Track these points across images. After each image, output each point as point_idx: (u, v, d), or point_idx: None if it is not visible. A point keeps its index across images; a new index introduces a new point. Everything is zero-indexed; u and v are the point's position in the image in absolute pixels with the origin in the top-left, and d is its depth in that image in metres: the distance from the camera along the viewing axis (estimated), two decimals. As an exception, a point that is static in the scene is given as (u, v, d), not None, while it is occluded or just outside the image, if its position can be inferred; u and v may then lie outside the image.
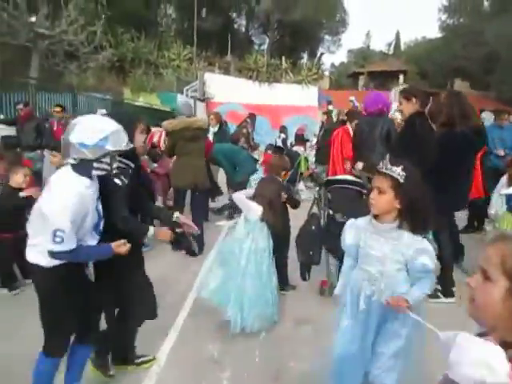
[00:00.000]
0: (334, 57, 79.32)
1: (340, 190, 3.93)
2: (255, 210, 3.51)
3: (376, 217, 2.10)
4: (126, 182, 2.42)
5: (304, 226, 3.89)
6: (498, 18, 25.47)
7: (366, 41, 43.24)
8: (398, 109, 3.80)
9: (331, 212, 3.90)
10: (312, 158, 10.06)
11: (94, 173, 2.14)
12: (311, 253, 3.75)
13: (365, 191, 3.79)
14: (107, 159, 2.13)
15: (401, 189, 1.97)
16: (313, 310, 3.77)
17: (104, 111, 8.00)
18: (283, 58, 23.21)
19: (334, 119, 11.07)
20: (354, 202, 3.81)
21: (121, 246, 2.21)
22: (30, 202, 3.86)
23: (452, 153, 3.43)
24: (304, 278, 3.91)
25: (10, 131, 6.87)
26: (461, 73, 26.49)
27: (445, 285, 3.78)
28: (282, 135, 11.67)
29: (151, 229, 2.47)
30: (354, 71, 32.11)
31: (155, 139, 6.62)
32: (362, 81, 28.24)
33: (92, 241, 2.22)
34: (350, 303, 2.20)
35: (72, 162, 2.08)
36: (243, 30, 32.46)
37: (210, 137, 7.23)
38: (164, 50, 21.26)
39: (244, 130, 8.36)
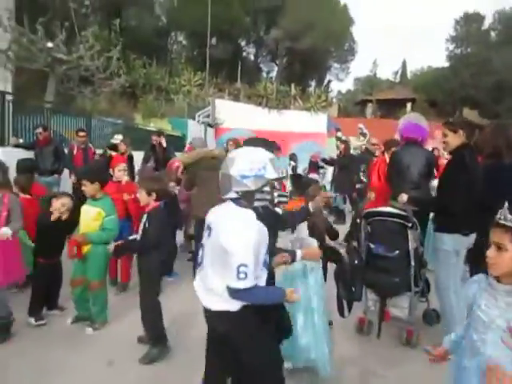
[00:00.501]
0: (342, 84, 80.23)
1: (382, 223, 3.77)
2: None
3: (496, 278, 1.76)
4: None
5: (344, 260, 3.73)
6: (506, 47, 25.80)
7: (372, 69, 43.81)
8: (441, 140, 3.68)
9: (372, 245, 3.74)
10: (328, 186, 10.00)
11: (257, 204, 2.14)
12: (353, 288, 3.56)
13: (409, 224, 3.65)
14: (267, 188, 2.14)
15: None
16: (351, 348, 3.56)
17: (121, 136, 7.97)
18: (292, 84, 23.43)
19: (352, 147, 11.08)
20: (398, 235, 3.66)
21: (292, 294, 2.16)
22: (69, 228, 4.01)
23: (501, 185, 3.30)
24: (342, 315, 3.72)
25: (28, 155, 6.79)
26: (469, 101, 26.61)
27: None
28: (292, 163, 11.65)
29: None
30: (362, 99, 32.38)
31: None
32: (369, 108, 28.39)
33: (264, 276, 2.15)
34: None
35: (234, 195, 2.10)
36: (252, 57, 33.01)
37: None
38: (175, 76, 21.51)
39: None
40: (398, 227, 3.72)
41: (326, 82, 32.26)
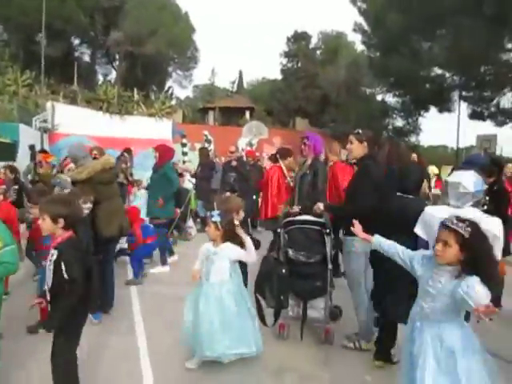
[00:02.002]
0: (185, 91, 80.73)
1: (300, 231, 4.00)
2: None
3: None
4: None
5: (270, 271, 3.87)
6: (328, 65, 29.22)
7: (211, 77, 44.94)
8: (347, 147, 4.01)
9: (291, 252, 3.93)
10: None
11: None
12: (282, 297, 3.74)
13: (327, 231, 3.97)
14: None
15: (466, 243, 2.18)
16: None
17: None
18: (135, 89, 22.73)
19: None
20: (316, 242, 3.98)
21: None
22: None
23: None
24: (265, 324, 3.92)
25: None
26: (301, 112, 29.38)
27: None
28: None
29: None
30: (204, 106, 33.06)
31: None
32: (211, 116, 29.12)
33: None
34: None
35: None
36: (86, 58, 30.93)
37: None
38: (-4, 74, 18.98)
39: (123, 165, 7.75)
40: (317, 234, 3.99)
41: (169, 88, 32.12)
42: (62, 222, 2.77)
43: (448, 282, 2.26)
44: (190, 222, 9.07)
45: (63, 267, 2.65)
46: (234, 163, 8.87)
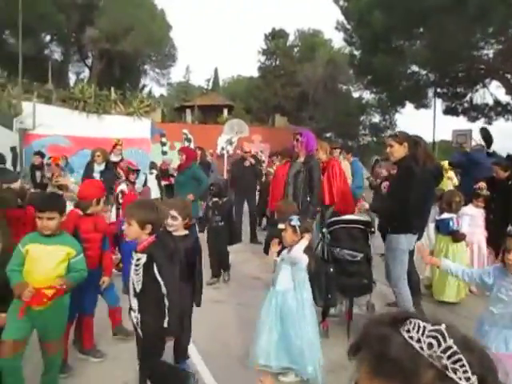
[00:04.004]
0: (163, 90, 79.96)
1: (344, 230, 4.14)
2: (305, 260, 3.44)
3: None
4: None
5: (318, 270, 3.90)
6: (306, 62, 29.40)
7: (186, 75, 44.46)
8: (388, 151, 4.18)
9: (337, 251, 4.05)
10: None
11: None
12: (329, 295, 3.83)
13: (372, 229, 4.19)
14: None
15: None
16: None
17: None
18: (112, 88, 22.36)
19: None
20: (360, 240, 4.13)
21: None
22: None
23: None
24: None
25: None
26: (280, 109, 29.44)
27: None
28: (154, 171, 11.04)
29: None
30: (182, 104, 32.77)
31: None
32: (188, 114, 28.87)
33: None
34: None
35: None
36: (59, 56, 30.16)
37: (97, 176, 6.43)
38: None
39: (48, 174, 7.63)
40: (361, 232, 4.15)
41: (146, 86, 31.75)
42: (149, 227, 2.74)
43: None
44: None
45: (155, 270, 2.67)
46: (251, 161, 8.96)
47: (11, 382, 2.79)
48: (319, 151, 5.82)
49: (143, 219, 2.71)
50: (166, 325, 2.66)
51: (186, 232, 3.31)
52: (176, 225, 3.23)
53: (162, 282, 2.65)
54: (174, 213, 3.20)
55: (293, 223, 3.44)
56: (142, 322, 2.77)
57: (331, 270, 3.99)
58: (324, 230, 4.27)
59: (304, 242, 3.39)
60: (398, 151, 4.07)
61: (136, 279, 2.73)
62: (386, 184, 6.40)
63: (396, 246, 4.08)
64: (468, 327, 2.51)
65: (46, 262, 2.92)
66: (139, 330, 2.82)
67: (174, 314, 2.68)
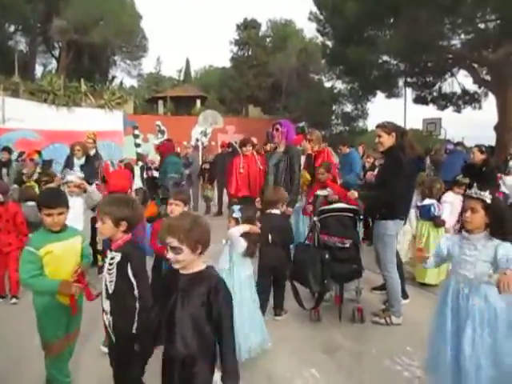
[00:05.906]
0: (134, 81, 78.38)
1: (333, 217, 4.33)
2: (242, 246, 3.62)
3: (468, 231, 2.77)
4: None
5: (313, 257, 4.09)
6: (278, 53, 29.40)
7: (156, 66, 43.69)
8: (377, 140, 4.33)
9: (326, 238, 4.23)
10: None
11: None
12: (325, 281, 4.01)
13: (360, 216, 4.45)
14: None
15: (489, 207, 2.66)
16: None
17: None
18: (82, 80, 21.81)
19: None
20: (349, 227, 4.35)
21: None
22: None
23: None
24: (303, 307, 4.23)
25: None
26: (254, 99, 29.43)
27: None
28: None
29: None
30: (154, 96, 32.27)
31: None
32: (160, 105, 28.47)
33: None
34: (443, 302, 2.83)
35: None
36: (23, 47, 29.10)
37: (77, 170, 6.27)
38: None
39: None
40: (349, 220, 4.36)
41: (117, 78, 31.08)
42: (124, 225, 2.62)
43: (484, 247, 2.68)
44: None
45: (129, 270, 2.52)
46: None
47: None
48: (310, 141, 5.93)
49: (117, 216, 2.60)
50: (134, 331, 2.51)
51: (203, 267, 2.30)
52: (182, 260, 2.21)
53: (135, 284, 2.51)
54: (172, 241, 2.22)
55: (234, 215, 3.70)
56: (114, 326, 2.60)
57: (326, 256, 4.12)
58: (315, 218, 4.40)
59: (243, 227, 3.61)
60: (387, 141, 4.24)
61: (109, 279, 2.58)
62: (371, 173, 6.58)
63: (385, 231, 4.27)
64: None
65: (70, 257, 2.95)
66: (111, 334, 2.64)
67: (143, 320, 2.48)
